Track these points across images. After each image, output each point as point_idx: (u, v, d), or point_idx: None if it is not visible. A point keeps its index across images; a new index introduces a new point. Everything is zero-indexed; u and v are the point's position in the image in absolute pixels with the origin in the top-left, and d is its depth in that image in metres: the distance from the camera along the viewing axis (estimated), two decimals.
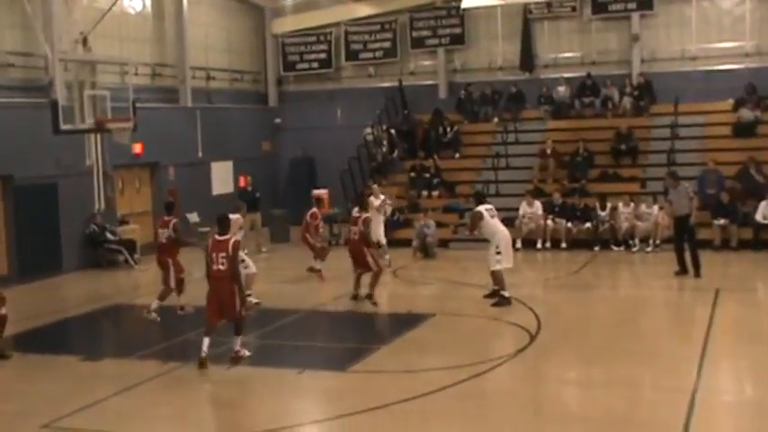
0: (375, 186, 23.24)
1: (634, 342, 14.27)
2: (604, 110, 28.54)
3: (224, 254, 12.86)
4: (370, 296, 17.00)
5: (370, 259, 17.03)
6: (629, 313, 16.81)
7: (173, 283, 16.65)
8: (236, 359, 13.13)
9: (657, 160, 26.04)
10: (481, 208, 16.93)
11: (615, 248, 23.26)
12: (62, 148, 21.75)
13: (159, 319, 16.26)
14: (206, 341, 13.01)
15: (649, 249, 22.77)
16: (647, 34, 29.20)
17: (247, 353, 13.29)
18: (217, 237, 13.15)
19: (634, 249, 22.99)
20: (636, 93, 28.38)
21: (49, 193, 22.21)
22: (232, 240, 13.08)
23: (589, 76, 28.95)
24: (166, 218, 17.05)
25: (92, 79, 20.84)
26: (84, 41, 22.12)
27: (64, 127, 19.61)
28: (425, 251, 23.33)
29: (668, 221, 20.87)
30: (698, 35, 28.79)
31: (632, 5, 28.97)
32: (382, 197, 22.44)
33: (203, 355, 12.90)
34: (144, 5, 27.25)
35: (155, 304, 16.43)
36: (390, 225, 23.56)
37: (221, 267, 12.88)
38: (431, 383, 11.83)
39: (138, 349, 14.46)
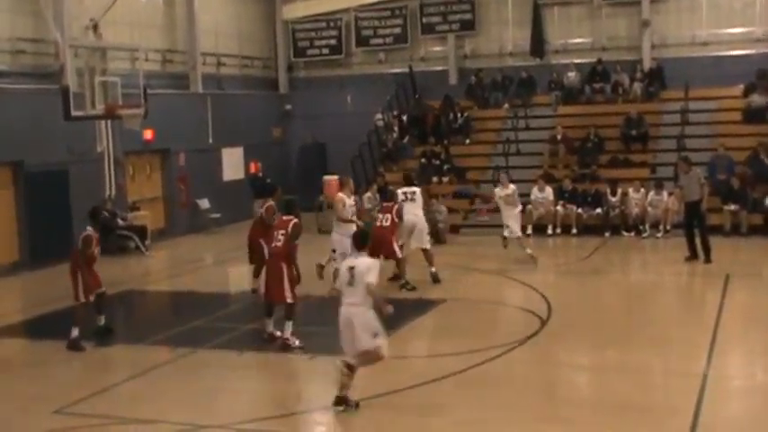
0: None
1: (645, 327, 14.28)
2: (615, 96, 28.45)
3: (283, 231, 13.30)
4: (405, 284, 17.13)
5: (396, 246, 17.02)
6: (640, 299, 16.83)
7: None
8: (284, 347, 13.16)
9: (668, 146, 26.00)
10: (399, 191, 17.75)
11: (626, 234, 23.24)
12: (73, 135, 21.80)
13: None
14: (266, 321, 13.57)
15: (660, 235, 22.74)
16: (657, 20, 29.07)
17: (297, 342, 13.19)
18: (283, 217, 13.80)
19: (644, 235, 22.96)
20: (646, 78, 28.31)
21: (60, 180, 22.26)
22: (293, 221, 13.45)
23: (600, 61, 28.85)
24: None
25: (102, 65, 20.86)
26: (95, 28, 22.16)
27: (75, 113, 19.63)
28: (436, 237, 23.30)
29: (678, 207, 20.82)
30: (708, 20, 28.65)
31: None
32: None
33: (268, 331, 13.57)
34: None
35: None
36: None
37: (278, 244, 13.27)
38: (443, 369, 11.86)
39: (149, 335, 14.52)
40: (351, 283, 10.21)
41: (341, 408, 10.36)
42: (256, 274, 16.40)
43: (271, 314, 13.61)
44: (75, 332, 13.82)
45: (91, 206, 15.31)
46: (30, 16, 22.55)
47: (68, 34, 21.80)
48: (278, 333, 13.49)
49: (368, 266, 10.22)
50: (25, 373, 13.03)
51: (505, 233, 19.46)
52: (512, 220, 19.50)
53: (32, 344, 14.81)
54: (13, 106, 21.06)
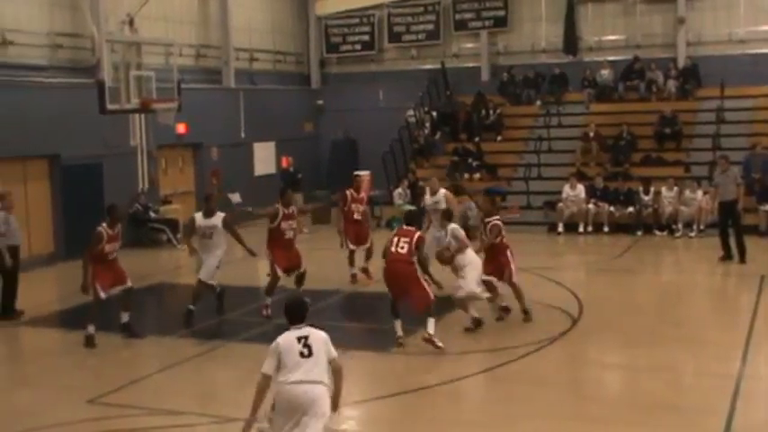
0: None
1: (677, 327, 14.19)
2: (648, 93, 28.25)
3: (406, 239, 13.14)
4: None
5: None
6: (673, 299, 16.70)
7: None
8: (426, 341, 12.89)
9: (702, 144, 25.79)
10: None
11: (658, 233, 23.07)
12: (108, 129, 21.95)
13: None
14: (396, 323, 13.19)
15: (693, 234, 22.57)
16: (693, 17, 28.80)
17: (440, 344, 12.76)
18: (404, 226, 13.67)
19: (677, 234, 22.78)
20: (681, 76, 28.08)
21: (94, 173, 22.44)
22: (417, 234, 13.36)
23: (637, 59, 28.61)
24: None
25: (137, 60, 21.00)
26: (131, 23, 22.32)
27: (110, 107, 19.79)
28: (467, 233, 23.28)
29: (712, 206, 20.67)
30: (746, 18, 28.32)
31: None
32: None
33: (398, 335, 13.16)
34: None
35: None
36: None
37: (400, 251, 13.08)
38: (473, 366, 11.87)
39: (180, 328, 14.60)
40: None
41: None
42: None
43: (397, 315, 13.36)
44: (89, 329, 13.76)
45: (110, 203, 15.16)
46: (67, 11, 22.77)
47: (105, 29, 22.00)
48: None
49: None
50: (60, 363, 13.16)
51: None
52: None
53: (67, 334, 14.94)
54: (50, 100, 21.27)
